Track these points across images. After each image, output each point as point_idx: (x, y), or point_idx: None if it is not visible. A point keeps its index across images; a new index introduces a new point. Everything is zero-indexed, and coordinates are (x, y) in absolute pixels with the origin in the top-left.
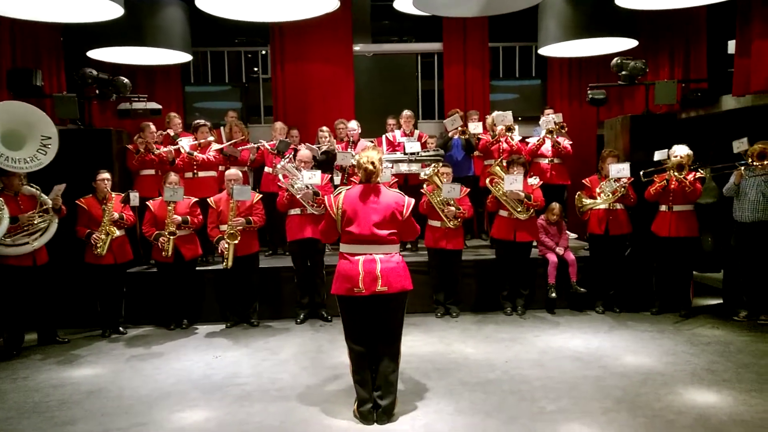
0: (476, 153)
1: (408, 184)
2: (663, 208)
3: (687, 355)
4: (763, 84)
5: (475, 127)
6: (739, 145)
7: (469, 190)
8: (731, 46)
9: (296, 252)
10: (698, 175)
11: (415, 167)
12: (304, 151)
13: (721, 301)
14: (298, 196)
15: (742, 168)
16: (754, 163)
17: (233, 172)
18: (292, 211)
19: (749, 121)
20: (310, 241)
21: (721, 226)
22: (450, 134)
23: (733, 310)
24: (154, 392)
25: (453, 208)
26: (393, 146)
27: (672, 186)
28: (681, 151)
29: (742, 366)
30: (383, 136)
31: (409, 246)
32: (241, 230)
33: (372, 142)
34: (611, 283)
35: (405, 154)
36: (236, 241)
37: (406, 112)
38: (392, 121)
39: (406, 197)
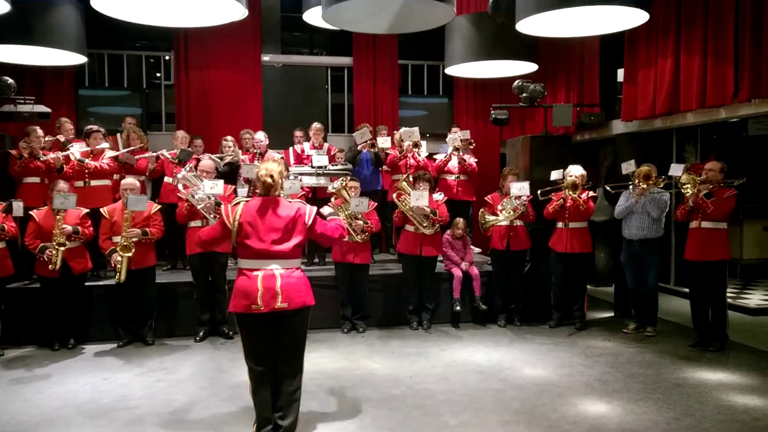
0: (384, 167)
1: (316, 197)
2: (560, 225)
3: (581, 366)
4: (648, 110)
5: (383, 142)
6: (627, 167)
7: (376, 204)
8: (621, 74)
9: (196, 266)
10: (591, 194)
11: (323, 180)
12: (207, 161)
13: (613, 314)
14: (198, 207)
15: (631, 187)
16: (640, 184)
17: (129, 181)
18: (193, 224)
19: (637, 144)
20: (211, 254)
21: (613, 242)
22: (359, 148)
23: (623, 323)
24: (35, 418)
25: (361, 222)
26: (301, 159)
27: (568, 204)
28: (576, 171)
29: (630, 376)
30: (291, 148)
31: (316, 260)
32: (137, 242)
33: (280, 153)
34: (512, 297)
35: (313, 167)
36: (130, 254)
37: (316, 125)
38: (300, 133)
39: (307, 204)
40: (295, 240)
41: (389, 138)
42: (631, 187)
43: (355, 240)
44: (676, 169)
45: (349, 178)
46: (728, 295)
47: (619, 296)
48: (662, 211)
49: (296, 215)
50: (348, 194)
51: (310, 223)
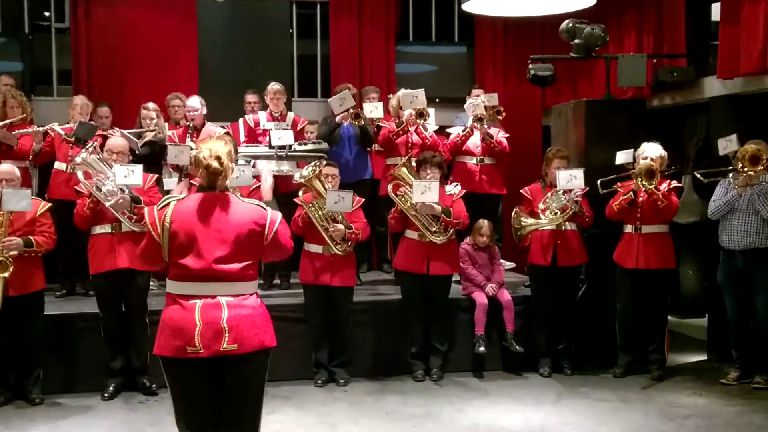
0: (375, 147)
1: (277, 191)
2: (628, 229)
3: None
4: (756, 63)
5: (373, 110)
6: (726, 145)
7: (364, 200)
8: (716, 11)
9: (104, 290)
10: (674, 184)
11: (286, 166)
12: (118, 140)
13: (706, 357)
14: (107, 204)
15: (730, 176)
16: (744, 169)
17: (5, 168)
18: (99, 229)
19: (740, 112)
20: (126, 273)
21: (707, 254)
22: (338, 119)
23: (721, 370)
24: None
25: (341, 227)
26: (254, 135)
27: (640, 199)
28: (652, 151)
29: None
30: (240, 120)
31: (277, 282)
32: (16, 257)
33: (224, 128)
34: (560, 333)
35: (272, 147)
36: (6, 274)
37: (274, 86)
38: (253, 99)
39: (270, 210)
40: (249, 260)
41: (381, 105)
42: (731, 174)
43: (334, 252)
44: None
45: (323, 162)
46: None
47: (715, 331)
48: None
49: (254, 224)
50: (323, 186)
51: (271, 237)
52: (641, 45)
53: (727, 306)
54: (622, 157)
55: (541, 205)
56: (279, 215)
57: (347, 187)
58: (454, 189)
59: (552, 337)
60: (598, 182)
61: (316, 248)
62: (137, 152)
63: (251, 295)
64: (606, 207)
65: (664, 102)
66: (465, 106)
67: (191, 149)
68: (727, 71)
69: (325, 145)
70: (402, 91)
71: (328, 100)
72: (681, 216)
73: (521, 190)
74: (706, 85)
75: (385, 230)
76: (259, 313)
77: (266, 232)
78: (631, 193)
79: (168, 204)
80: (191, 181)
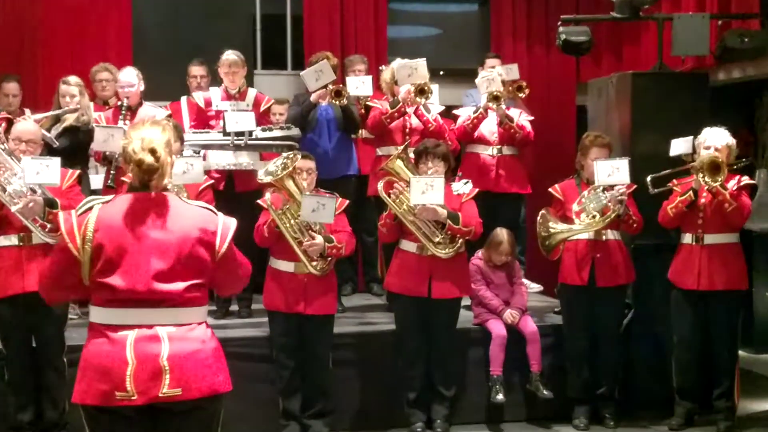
0: (362, 134)
1: (235, 190)
2: (687, 239)
3: None
4: None
5: (359, 86)
6: None
7: (348, 203)
8: None
9: (8, 320)
10: (746, 181)
11: (246, 159)
12: (27, 125)
13: None
14: (13, 209)
15: None
16: None
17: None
18: (3, 241)
19: None
20: (38, 298)
21: None
22: (314, 98)
23: None
24: None
25: (319, 240)
26: (205, 118)
27: (702, 201)
28: (717, 139)
29: None
30: (185, 99)
31: (235, 308)
32: None
33: (164, 108)
34: (600, 373)
35: (227, 133)
36: None
37: (230, 56)
38: (201, 71)
39: (221, 216)
40: (196, 279)
41: (369, 79)
42: None
43: (309, 272)
44: None
45: (296, 154)
46: None
47: None
48: None
49: (201, 233)
50: (296, 187)
51: (223, 251)
52: (703, 2)
53: None
54: (679, 146)
55: (575, 207)
56: (234, 223)
57: (326, 185)
58: (463, 187)
59: (590, 379)
60: (648, 179)
61: (287, 266)
62: (54, 145)
63: (199, 324)
64: (659, 210)
65: (732, 75)
66: (477, 80)
67: (124, 133)
68: None
69: (296, 131)
70: (397, 62)
71: (301, 73)
72: (755, 222)
73: (550, 189)
74: None
75: (374, 241)
76: (210, 348)
77: (217, 244)
78: (690, 192)
79: (91, 208)
80: (122, 178)
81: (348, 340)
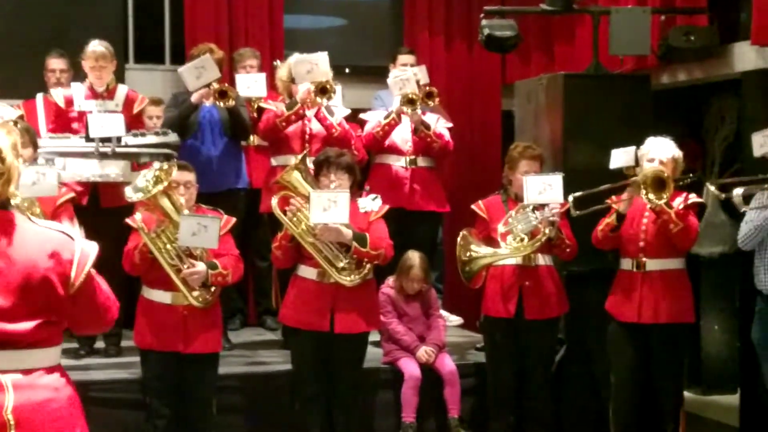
0: (253, 141)
1: (100, 206)
2: (627, 264)
3: None
4: None
5: (250, 85)
6: (764, 142)
7: (235, 221)
8: None
9: None
10: (693, 199)
11: (114, 169)
12: None
13: None
14: None
15: None
16: None
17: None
18: None
19: None
20: None
21: (741, 302)
22: (195, 99)
23: None
24: None
25: (201, 267)
26: (64, 120)
27: (645, 221)
28: (661, 152)
29: None
30: (40, 97)
31: (101, 346)
32: None
33: (15, 108)
34: (529, 418)
35: (91, 139)
36: None
37: (97, 48)
38: (60, 65)
39: (79, 240)
40: (45, 317)
41: (263, 77)
42: None
43: (189, 303)
44: None
45: (171, 165)
46: None
47: (751, 413)
48: None
49: (53, 261)
50: (172, 204)
51: (79, 283)
52: None
53: (766, 377)
54: (619, 158)
55: (500, 228)
56: (94, 248)
57: (210, 200)
58: (372, 204)
59: (516, 424)
60: (570, 198)
61: (162, 297)
62: None
63: (51, 370)
64: (594, 231)
65: (676, 78)
66: (389, 80)
67: None
68: (766, 35)
69: (174, 137)
70: (295, 57)
71: (180, 69)
72: (703, 245)
73: (472, 206)
74: (736, 55)
75: (268, 266)
76: (65, 396)
77: (72, 275)
78: (614, 216)
79: None
80: None
81: (235, 383)
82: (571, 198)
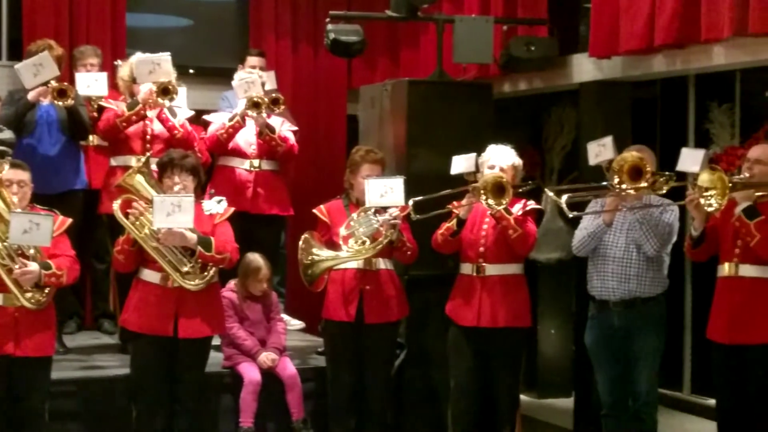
0: (93, 140)
1: None
2: (467, 269)
3: None
4: (640, 39)
5: (91, 85)
6: (599, 151)
7: (72, 221)
8: None
9: None
10: (532, 205)
11: None
12: None
13: None
14: None
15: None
16: (623, 186)
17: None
18: None
19: (618, 104)
20: None
21: (577, 307)
22: (31, 97)
23: None
24: None
25: (34, 267)
26: None
27: (485, 227)
28: (501, 158)
29: None
30: None
31: None
32: None
33: None
34: (369, 421)
35: None
36: None
37: None
38: None
39: None
40: None
41: (105, 76)
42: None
43: (21, 305)
44: (691, 159)
45: (2, 163)
46: None
47: (585, 417)
48: (665, 241)
49: None
50: (3, 202)
51: None
52: (487, 4)
53: (599, 381)
54: (460, 164)
55: (342, 231)
56: None
57: (47, 201)
58: (216, 207)
59: (358, 428)
60: (410, 202)
61: None
62: None
63: None
64: (434, 234)
65: (517, 87)
66: (234, 83)
67: None
68: (603, 47)
69: (10, 135)
70: (137, 56)
71: (17, 65)
72: (541, 251)
73: (314, 210)
74: (575, 66)
75: (106, 268)
76: None
77: None
78: (455, 221)
79: None
80: None
81: (69, 388)
82: (411, 202)
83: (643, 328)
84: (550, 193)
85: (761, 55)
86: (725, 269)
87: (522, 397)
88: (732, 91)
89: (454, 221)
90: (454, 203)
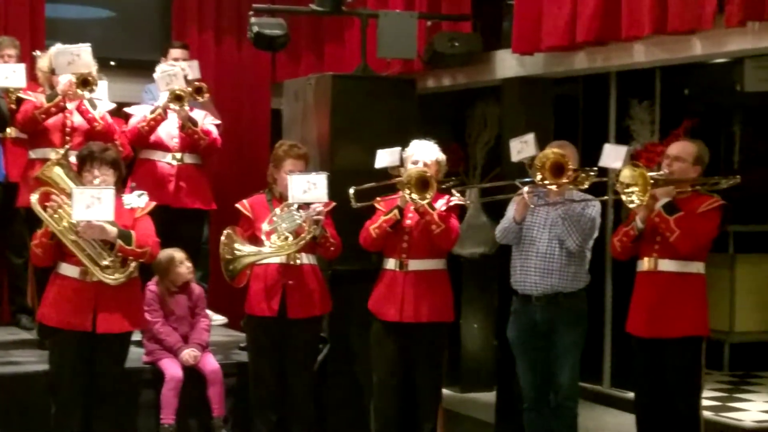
0: (10, 133)
1: None
2: (390, 264)
3: None
4: (562, 36)
5: (9, 76)
6: (521, 148)
7: None
8: None
9: None
10: (456, 201)
11: None
12: None
13: None
14: None
15: (525, 190)
16: (545, 182)
17: None
18: None
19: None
20: None
21: (500, 301)
22: None
23: None
24: None
25: None
26: None
27: (408, 222)
28: (425, 154)
29: None
30: None
31: None
32: None
33: None
34: (291, 418)
35: None
36: None
37: None
38: None
39: None
40: None
41: (22, 67)
42: (525, 188)
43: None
44: (613, 155)
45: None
46: (706, 403)
47: (507, 411)
48: (587, 236)
49: None
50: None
51: None
52: None
53: (521, 376)
54: (384, 158)
55: (265, 226)
56: None
57: None
58: (137, 201)
59: (280, 423)
60: (351, 191)
61: None
62: None
63: None
64: (361, 231)
65: (441, 82)
66: (155, 75)
67: None
68: (525, 43)
69: None
70: (56, 47)
71: None
72: (464, 246)
73: (237, 204)
74: (498, 62)
75: (24, 263)
76: None
77: None
78: (395, 211)
79: None
80: None
81: None
82: (352, 190)
83: (565, 323)
84: (457, 195)
85: (680, 53)
86: (645, 264)
87: (445, 391)
88: (652, 89)
89: (394, 212)
90: (377, 198)
